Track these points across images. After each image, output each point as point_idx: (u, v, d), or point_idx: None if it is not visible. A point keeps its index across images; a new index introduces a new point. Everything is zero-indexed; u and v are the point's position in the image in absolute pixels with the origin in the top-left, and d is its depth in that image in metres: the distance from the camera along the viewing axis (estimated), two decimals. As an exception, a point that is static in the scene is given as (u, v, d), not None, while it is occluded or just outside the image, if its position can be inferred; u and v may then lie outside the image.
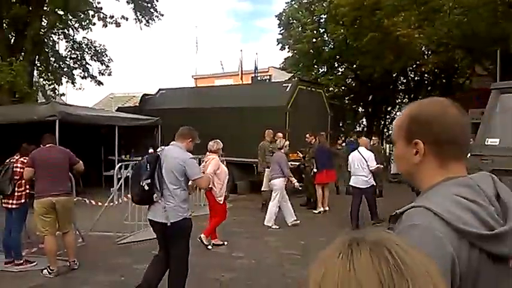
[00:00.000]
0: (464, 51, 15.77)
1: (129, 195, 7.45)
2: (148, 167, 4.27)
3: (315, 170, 9.93)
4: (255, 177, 11.36)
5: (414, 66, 21.41)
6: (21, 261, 5.55)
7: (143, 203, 4.59)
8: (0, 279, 5.28)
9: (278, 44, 23.98)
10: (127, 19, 16.82)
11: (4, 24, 13.99)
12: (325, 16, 21.80)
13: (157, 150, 4.62)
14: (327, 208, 9.82)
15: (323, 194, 9.83)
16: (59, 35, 16.79)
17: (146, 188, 4.21)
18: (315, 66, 23.79)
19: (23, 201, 5.76)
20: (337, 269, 0.63)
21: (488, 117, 3.94)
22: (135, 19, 16.83)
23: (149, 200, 4.28)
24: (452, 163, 1.17)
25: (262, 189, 9.51)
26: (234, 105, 12.50)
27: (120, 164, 10.33)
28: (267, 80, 24.74)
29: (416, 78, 23.97)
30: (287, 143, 9.09)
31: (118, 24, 16.63)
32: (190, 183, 4.48)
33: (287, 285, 5.24)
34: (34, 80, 15.49)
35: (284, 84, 12.75)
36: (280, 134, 10.32)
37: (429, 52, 20.23)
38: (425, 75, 22.70)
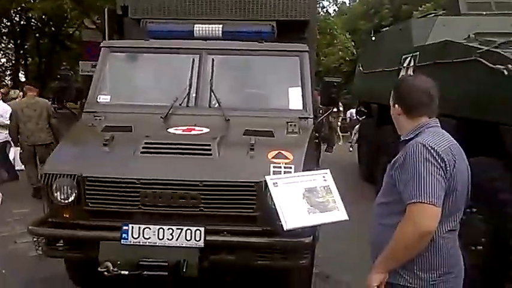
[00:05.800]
0: (74, 3, 15.46)
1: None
2: None
3: None
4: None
5: (19, 9, 19.31)
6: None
7: None
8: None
9: None
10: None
11: None
12: None
13: None
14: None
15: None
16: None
17: None
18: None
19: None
20: None
21: (100, 74, 3.94)
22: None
23: None
24: None
25: None
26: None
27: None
28: None
29: (22, 22, 21.82)
30: None
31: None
32: None
33: None
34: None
35: None
36: None
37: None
38: (33, 21, 21.00)
